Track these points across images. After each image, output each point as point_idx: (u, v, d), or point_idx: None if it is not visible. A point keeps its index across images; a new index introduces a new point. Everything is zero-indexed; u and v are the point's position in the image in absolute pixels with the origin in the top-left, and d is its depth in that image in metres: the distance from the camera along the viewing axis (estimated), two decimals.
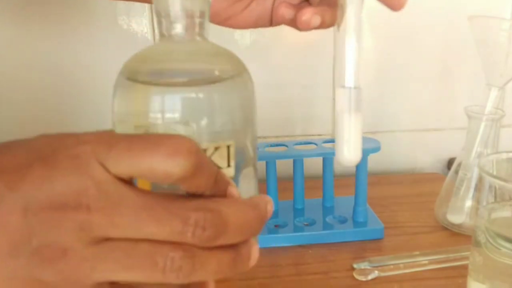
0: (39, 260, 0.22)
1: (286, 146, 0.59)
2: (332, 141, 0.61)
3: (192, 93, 0.32)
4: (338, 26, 0.34)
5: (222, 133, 0.33)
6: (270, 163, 0.59)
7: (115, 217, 0.22)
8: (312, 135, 0.79)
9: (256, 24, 0.40)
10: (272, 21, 0.40)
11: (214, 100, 0.33)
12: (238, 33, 0.73)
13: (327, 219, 0.59)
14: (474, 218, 0.54)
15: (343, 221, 0.59)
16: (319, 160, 0.61)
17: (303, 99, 0.78)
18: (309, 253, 0.54)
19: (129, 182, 0.23)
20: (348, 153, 0.33)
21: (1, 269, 0.23)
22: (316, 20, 0.34)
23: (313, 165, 0.70)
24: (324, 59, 0.74)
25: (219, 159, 0.32)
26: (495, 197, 0.39)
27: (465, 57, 0.77)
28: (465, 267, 0.43)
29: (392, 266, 0.50)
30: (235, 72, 0.34)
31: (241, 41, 0.73)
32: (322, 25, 0.35)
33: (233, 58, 0.35)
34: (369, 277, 0.49)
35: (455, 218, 0.58)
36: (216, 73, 0.34)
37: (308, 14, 0.34)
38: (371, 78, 0.77)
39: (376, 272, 0.49)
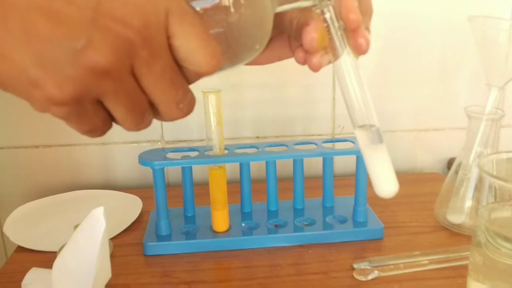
0: (75, 58, 0.24)
1: (286, 146, 0.59)
2: (332, 141, 0.61)
3: None
4: (332, 62, 0.34)
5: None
6: (270, 163, 0.59)
7: (154, 62, 0.26)
8: (312, 135, 0.79)
9: (280, 58, 0.41)
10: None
11: None
12: None
13: (327, 219, 0.59)
14: (474, 218, 0.54)
15: (343, 221, 0.59)
16: (319, 160, 0.61)
17: (303, 99, 0.78)
18: (309, 253, 0.54)
19: None
20: (388, 186, 0.34)
21: (38, 49, 0.24)
22: (326, 60, 0.36)
23: (313, 165, 0.70)
24: None
25: None
26: (495, 197, 0.39)
27: (465, 57, 0.77)
28: (465, 267, 0.43)
29: (392, 266, 0.51)
30: None
31: None
32: (331, 62, 0.35)
33: None
34: (369, 277, 0.49)
35: (455, 218, 0.58)
36: None
37: (317, 57, 0.35)
38: (371, 78, 0.77)
39: (376, 272, 0.49)
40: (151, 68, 0.26)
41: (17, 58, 0.24)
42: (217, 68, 0.28)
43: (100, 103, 0.27)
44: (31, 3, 0.24)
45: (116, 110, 0.27)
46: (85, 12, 0.24)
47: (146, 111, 0.29)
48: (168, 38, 0.27)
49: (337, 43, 0.33)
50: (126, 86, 0.26)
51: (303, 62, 0.36)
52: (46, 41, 0.24)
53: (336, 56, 0.34)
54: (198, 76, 0.29)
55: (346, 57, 0.33)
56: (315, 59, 0.35)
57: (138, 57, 0.26)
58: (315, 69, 0.36)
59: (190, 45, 0.27)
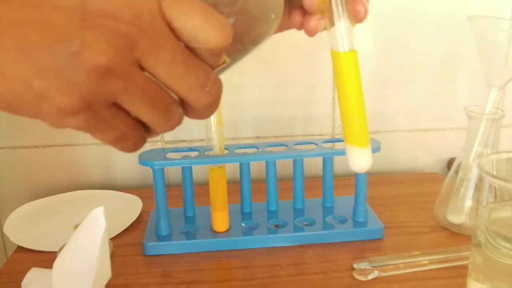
0: (73, 62, 0.24)
1: (286, 146, 0.59)
2: (332, 141, 0.61)
3: None
4: (328, 29, 0.35)
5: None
6: (270, 163, 0.59)
7: (159, 49, 0.25)
8: (312, 135, 0.79)
9: (280, 29, 0.41)
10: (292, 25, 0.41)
11: None
12: None
13: (327, 219, 0.59)
14: (474, 218, 0.54)
15: (343, 221, 0.59)
16: (319, 160, 0.61)
17: (303, 99, 0.78)
18: (309, 253, 0.54)
19: None
20: (362, 161, 0.35)
21: (35, 59, 0.24)
22: (322, 25, 0.36)
23: (313, 165, 0.70)
24: (324, 59, 0.74)
25: None
26: (495, 197, 0.39)
27: (465, 57, 0.77)
28: (465, 267, 0.43)
29: (392, 266, 0.51)
30: None
31: None
32: (327, 28, 0.35)
33: None
34: (369, 277, 0.49)
35: (455, 218, 0.58)
36: None
37: (314, 20, 0.35)
38: (371, 78, 0.77)
39: (376, 272, 0.49)
40: (158, 56, 0.25)
41: (17, 73, 0.24)
42: (227, 39, 0.26)
43: (117, 106, 0.26)
44: (19, 17, 0.23)
45: (136, 109, 0.26)
46: (74, 15, 0.24)
47: (172, 104, 0.27)
48: (169, 23, 0.26)
49: (335, 7, 0.33)
50: (136, 82, 0.25)
51: (300, 26, 0.36)
52: (40, 50, 0.23)
53: (332, 22, 0.34)
54: (213, 53, 0.27)
55: (342, 23, 0.34)
56: (312, 23, 0.35)
57: (139, 49, 0.25)
58: (311, 33, 0.36)
59: (191, 23, 0.25)
